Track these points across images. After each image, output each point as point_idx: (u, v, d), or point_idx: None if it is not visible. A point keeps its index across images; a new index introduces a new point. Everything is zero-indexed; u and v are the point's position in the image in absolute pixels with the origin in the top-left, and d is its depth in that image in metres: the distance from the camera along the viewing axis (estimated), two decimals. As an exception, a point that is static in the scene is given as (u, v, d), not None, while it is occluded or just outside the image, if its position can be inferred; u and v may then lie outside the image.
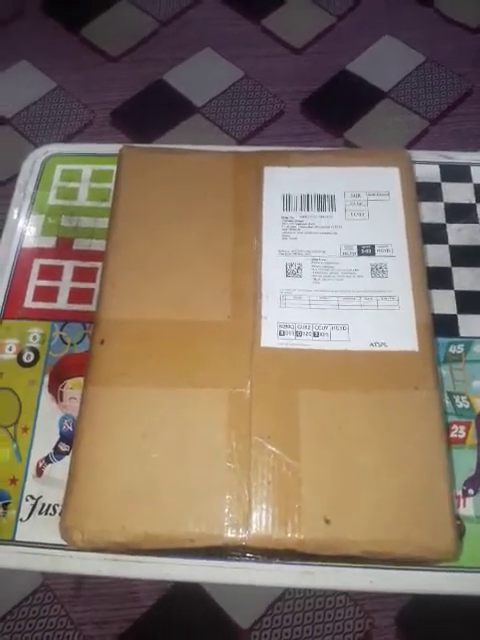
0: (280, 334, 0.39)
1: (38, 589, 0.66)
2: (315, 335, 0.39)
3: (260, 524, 0.34)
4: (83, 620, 0.65)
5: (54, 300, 0.46)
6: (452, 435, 0.40)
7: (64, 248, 0.48)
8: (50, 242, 0.48)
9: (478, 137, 0.78)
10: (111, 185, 0.48)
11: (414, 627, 0.65)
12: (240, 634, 0.64)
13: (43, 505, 0.39)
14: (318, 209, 0.43)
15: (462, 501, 0.39)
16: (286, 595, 0.64)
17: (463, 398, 0.42)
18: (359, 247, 0.42)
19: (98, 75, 0.86)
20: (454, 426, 0.41)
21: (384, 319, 0.39)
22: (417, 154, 0.48)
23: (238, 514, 0.34)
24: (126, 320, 0.40)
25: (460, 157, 0.50)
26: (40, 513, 0.39)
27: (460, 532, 0.37)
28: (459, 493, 0.39)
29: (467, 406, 0.41)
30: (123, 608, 0.65)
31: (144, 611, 0.65)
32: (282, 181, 0.44)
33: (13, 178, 0.53)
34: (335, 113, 0.80)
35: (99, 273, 0.45)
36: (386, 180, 0.43)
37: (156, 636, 0.66)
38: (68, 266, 0.47)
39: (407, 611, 0.65)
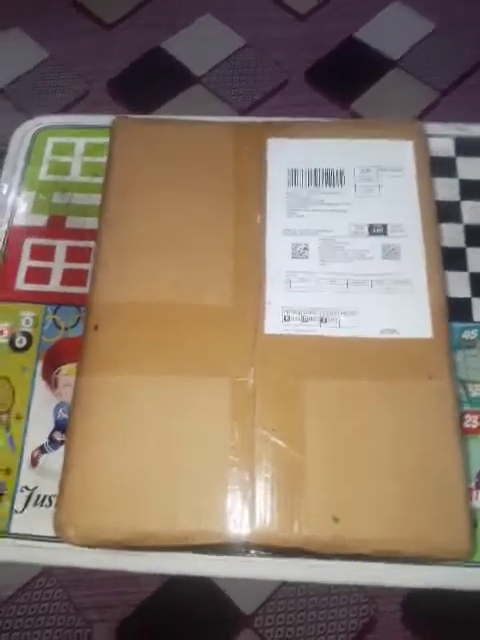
0: (285, 320, 0.37)
1: (40, 574, 0.65)
2: (322, 321, 0.37)
3: (265, 521, 0.33)
4: (86, 604, 0.64)
5: (47, 282, 0.44)
6: (465, 425, 0.39)
7: (56, 226, 0.46)
8: (41, 220, 0.46)
9: (490, 108, 0.74)
10: (105, 159, 0.45)
11: (419, 612, 0.64)
12: (244, 619, 0.63)
13: (38, 496, 0.38)
14: (326, 185, 0.41)
15: (475, 493, 0.37)
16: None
17: (477, 386, 0.40)
18: (370, 226, 0.39)
19: (93, 43, 0.82)
20: (467, 416, 0.39)
21: (396, 304, 0.37)
22: (430, 127, 0.46)
23: (241, 511, 0.33)
24: (121, 304, 0.37)
25: (476, 130, 0.48)
26: (35, 504, 0.38)
27: (474, 525, 0.36)
28: (472, 485, 0.37)
29: (481, 394, 0.40)
30: (126, 593, 0.65)
31: (147, 596, 0.65)
32: (287, 154, 0.41)
33: (2, 152, 0.51)
34: (342, 83, 0.77)
35: (93, 253, 0.43)
36: (399, 154, 0.41)
37: (159, 621, 0.65)
38: (61, 246, 0.45)
39: (412, 597, 0.64)
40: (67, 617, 0.64)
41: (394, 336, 0.36)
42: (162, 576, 0.65)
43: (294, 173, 0.41)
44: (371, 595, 0.63)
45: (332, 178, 0.41)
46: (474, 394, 0.40)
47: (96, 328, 0.37)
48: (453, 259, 0.43)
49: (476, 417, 0.39)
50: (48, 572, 0.65)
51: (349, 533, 0.32)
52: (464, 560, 0.33)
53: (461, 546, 0.32)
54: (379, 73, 0.77)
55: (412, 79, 0.77)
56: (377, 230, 0.39)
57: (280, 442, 0.34)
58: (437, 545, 0.32)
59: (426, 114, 0.74)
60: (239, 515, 0.33)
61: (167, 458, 0.34)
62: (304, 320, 0.37)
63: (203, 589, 0.65)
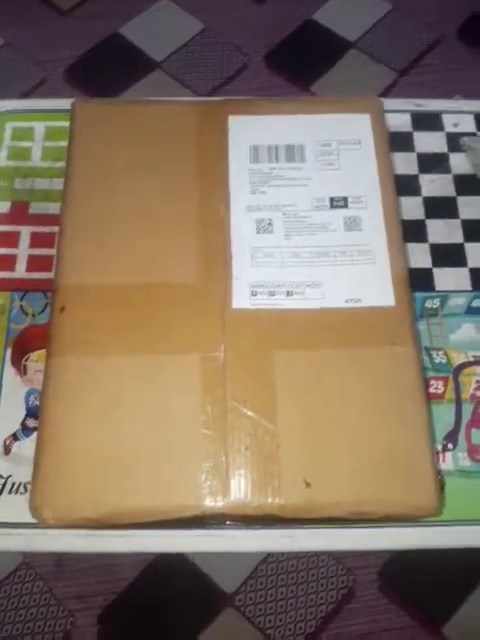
0: (252, 294, 0.37)
1: (19, 567, 0.65)
2: (289, 294, 0.37)
3: (239, 491, 0.33)
4: (67, 595, 0.65)
5: (12, 269, 0.44)
6: (430, 390, 0.40)
7: (19, 213, 0.45)
8: (4, 207, 0.46)
9: (447, 87, 0.76)
10: (66, 143, 0.45)
11: (397, 580, 0.66)
12: (225, 598, 0.64)
13: (13, 484, 0.38)
14: (287, 160, 0.41)
15: (441, 456, 0.39)
16: (269, 558, 0.65)
17: (440, 353, 0.41)
18: (331, 199, 0.40)
19: (49, 30, 0.81)
20: (432, 381, 0.40)
21: (359, 274, 0.38)
22: (388, 102, 0.46)
23: (216, 482, 0.33)
24: (87, 285, 0.37)
25: (431, 105, 0.49)
26: (11, 492, 0.38)
27: (441, 487, 0.37)
28: (439, 448, 0.39)
29: (444, 361, 0.41)
30: (107, 580, 0.65)
31: (128, 582, 0.65)
32: (248, 131, 0.41)
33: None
34: (301, 66, 0.78)
35: (57, 235, 0.42)
36: (357, 128, 0.41)
37: (141, 606, 0.66)
38: (25, 232, 0.45)
39: (389, 565, 0.66)
40: (48, 608, 0.64)
41: (358, 305, 0.37)
42: (143, 562, 0.65)
43: (255, 150, 0.41)
44: (348, 567, 0.65)
45: (293, 153, 0.41)
46: (438, 360, 0.41)
47: (62, 310, 0.37)
48: (414, 231, 0.44)
49: (441, 382, 0.40)
50: (27, 565, 0.65)
51: (321, 497, 0.33)
52: (432, 516, 0.34)
53: (429, 503, 0.33)
54: (337, 55, 0.78)
55: (370, 60, 0.78)
56: (338, 203, 0.40)
57: (251, 413, 0.34)
58: (407, 504, 0.33)
59: (385, 94, 0.76)
60: (214, 486, 0.33)
61: (140, 435, 0.34)
62: (271, 294, 0.37)
63: (184, 571, 0.65)
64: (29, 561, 0.66)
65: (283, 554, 0.64)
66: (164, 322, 0.36)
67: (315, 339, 0.36)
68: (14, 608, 0.65)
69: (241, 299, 0.37)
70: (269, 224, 0.39)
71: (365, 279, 0.38)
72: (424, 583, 0.66)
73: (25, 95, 0.76)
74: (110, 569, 0.66)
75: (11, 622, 0.64)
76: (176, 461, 0.34)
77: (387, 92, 0.76)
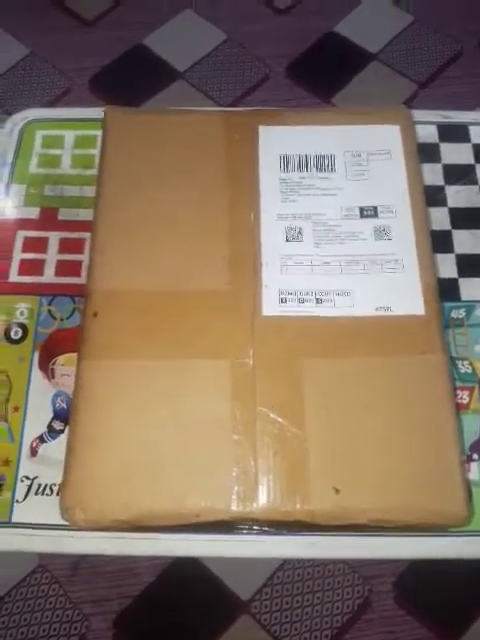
0: (282, 302, 0.38)
1: (35, 570, 0.65)
2: (318, 302, 0.38)
3: (268, 496, 0.33)
4: (82, 599, 0.65)
5: (40, 273, 0.44)
6: (456, 400, 0.40)
7: (49, 219, 0.46)
8: (33, 213, 0.46)
9: (468, 100, 0.76)
10: (96, 151, 0.46)
11: (413, 591, 0.65)
12: (241, 605, 0.64)
13: (39, 485, 0.38)
14: (317, 170, 0.41)
15: (467, 466, 0.38)
16: (285, 565, 0.64)
17: (466, 363, 0.41)
18: (361, 209, 0.40)
19: (73, 40, 0.82)
20: (457, 391, 0.40)
21: (389, 283, 0.38)
22: (415, 113, 0.47)
23: (245, 487, 0.33)
24: (119, 291, 0.38)
25: (458, 117, 0.49)
26: (37, 493, 0.38)
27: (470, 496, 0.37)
28: (464, 458, 0.38)
29: (470, 371, 0.41)
30: (122, 585, 0.65)
31: (143, 587, 0.65)
32: (278, 141, 0.42)
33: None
34: (322, 77, 0.78)
35: (87, 244, 0.43)
36: (386, 138, 0.42)
37: (156, 611, 0.66)
38: (54, 238, 0.45)
39: (405, 576, 0.66)
40: (63, 612, 0.64)
41: (388, 313, 0.37)
42: (159, 567, 0.65)
43: (286, 159, 0.42)
44: (365, 576, 0.64)
45: (323, 163, 0.42)
46: (463, 370, 0.41)
47: (95, 315, 0.37)
48: (440, 241, 0.44)
49: (466, 393, 0.40)
50: (43, 567, 0.65)
51: (350, 504, 0.33)
52: (461, 526, 0.34)
53: (459, 512, 0.33)
54: (358, 67, 0.79)
55: (391, 72, 0.79)
56: (368, 212, 0.40)
57: (280, 419, 0.34)
58: (436, 512, 0.33)
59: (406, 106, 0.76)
60: (243, 491, 0.33)
61: (170, 438, 0.34)
62: (300, 301, 0.38)
63: (200, 578, 0.65)
64: (45, 564, 0.66)
65: (299, 562, 0.63)
66: (194, 328, 0.37)
67: (344, 347, 0.36)
68: (29, 610, 0.65)
69: (270, 306, 0.38)
70: (299, 233, 0.40)
71: (395, 288, 0.38)
72: (441, 594, 0.65)
73: (50, 104, 0.77)
74: (126, 574, 0.66)
75: (26, 624, 0.64)
76: (205, 465, 0.34)
77: (407, 104, 0.77)
